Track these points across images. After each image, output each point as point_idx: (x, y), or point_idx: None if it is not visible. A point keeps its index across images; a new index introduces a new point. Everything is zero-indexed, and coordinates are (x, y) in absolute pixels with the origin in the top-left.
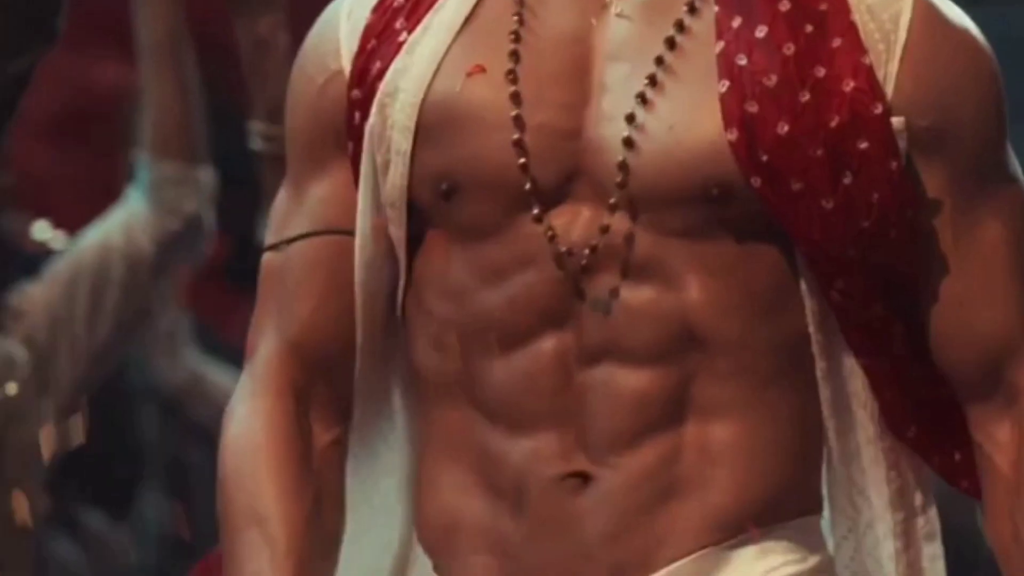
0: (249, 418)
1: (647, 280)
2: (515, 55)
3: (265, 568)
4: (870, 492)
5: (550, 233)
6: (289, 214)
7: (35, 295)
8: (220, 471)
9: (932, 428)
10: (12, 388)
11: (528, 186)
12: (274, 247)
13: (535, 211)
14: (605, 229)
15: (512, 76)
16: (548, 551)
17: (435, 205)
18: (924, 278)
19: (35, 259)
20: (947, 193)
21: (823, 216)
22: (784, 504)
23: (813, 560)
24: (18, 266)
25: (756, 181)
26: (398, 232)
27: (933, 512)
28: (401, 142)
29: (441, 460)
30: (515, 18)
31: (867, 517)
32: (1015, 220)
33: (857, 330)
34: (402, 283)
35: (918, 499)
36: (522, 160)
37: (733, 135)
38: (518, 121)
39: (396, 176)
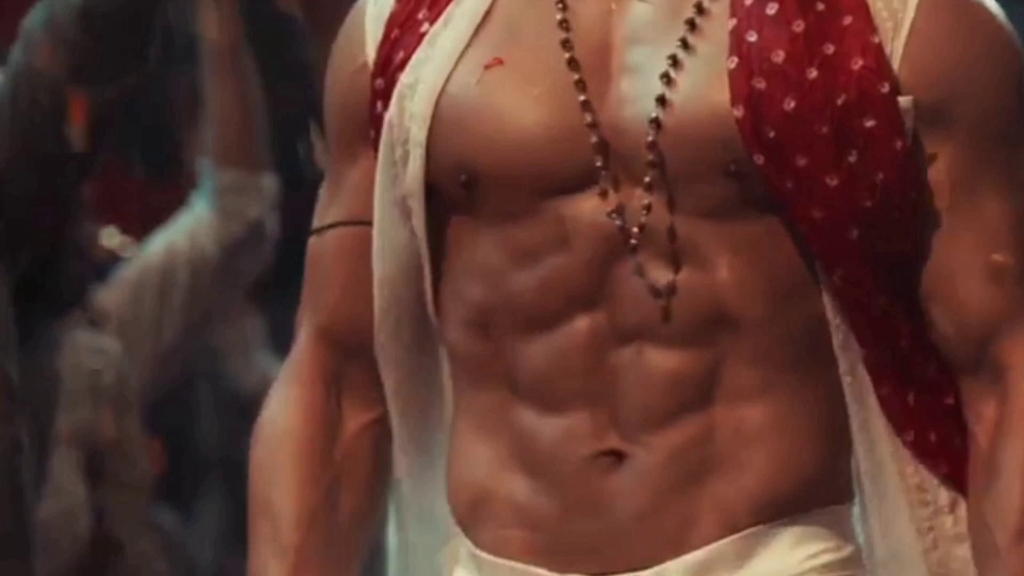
0: (276, 406)
1: (679, 260)
2: (568, 43)
3: (269, 561)
4: (891, 486)
5: (613, 214)
6: (327, 202)
7: (104, 300)
8: (250, 457)
9: (938, 436)
10: (109, 379)
11: (603, 171)
12: (314, 232)
13: (601, 190)
14: (648, 212)
15: (574, 64)
16: (581, 528)
17: (456, 194)
18: (920, 250)
19: (103, 265)
20: (950, 168)
21: (827, 193)
22: (816, 490)
23: (847, 550)
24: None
25: (759, 159)
26: (418, 222)
27: (963, 512)
28: (418, 133)
29: (473, 437)
30: (559, 5)
31: (892, 512)
32: (1019, 198)
33: (861, 319)
34: (426, 271)
35: (943, 497)
36: (594, 139)
37: (740, 112)
38: (587, 106)
39: (415, 167)
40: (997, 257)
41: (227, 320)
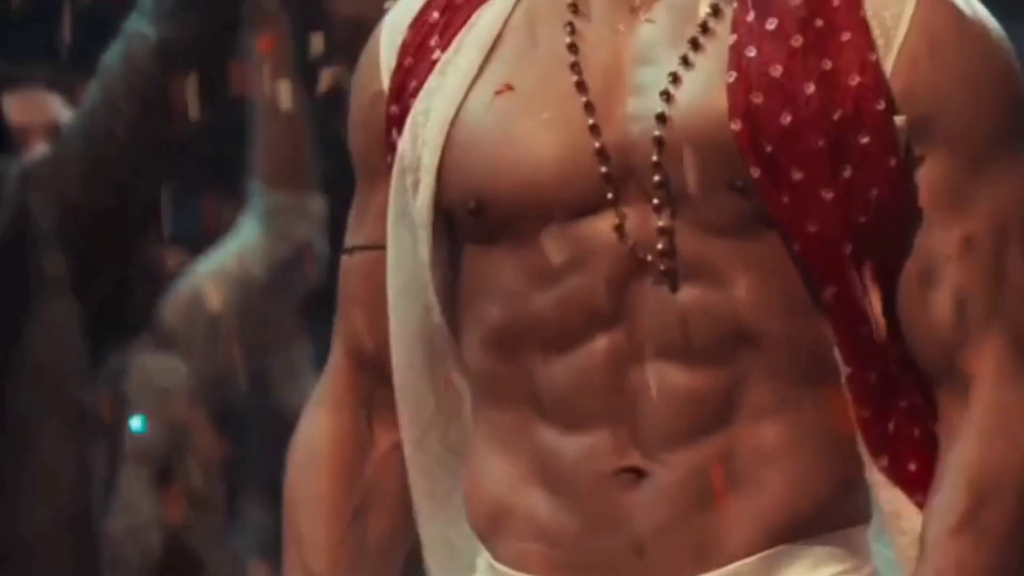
0: (307, 429)
1: (696, 278)
2: (576, 67)
3: None
4: (876, 511)
5: (627, 234)
6: (354, 224)
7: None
8: (285, 480)
9: (918, 466)
10: (178, 398)
11: (611, 196)
12: (344, 252)
13: (614, 210)
14: (662, 231)
15: (582, 87)
16: (600, 545)
17: (467, 220)
18: (902, 260)
19: (170, 286)
20: (934, 182)
21: (822, 207)
22: (834, 511)
23: (866, 571)
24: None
25: (755, 172)
26: (424, 249)
27: None
28: (430, 161)
29: (493, 453)
30: (567, 28)
31: (886, 536)
32: (1004, 216)
33: (851, 338)
34: (431, 297)
35: (920, 524)
36: (604, 169)
37: (737, 126)
38: (595, 131)
39: (425, 194)
40: (972, 272)
41: (278, 343)
